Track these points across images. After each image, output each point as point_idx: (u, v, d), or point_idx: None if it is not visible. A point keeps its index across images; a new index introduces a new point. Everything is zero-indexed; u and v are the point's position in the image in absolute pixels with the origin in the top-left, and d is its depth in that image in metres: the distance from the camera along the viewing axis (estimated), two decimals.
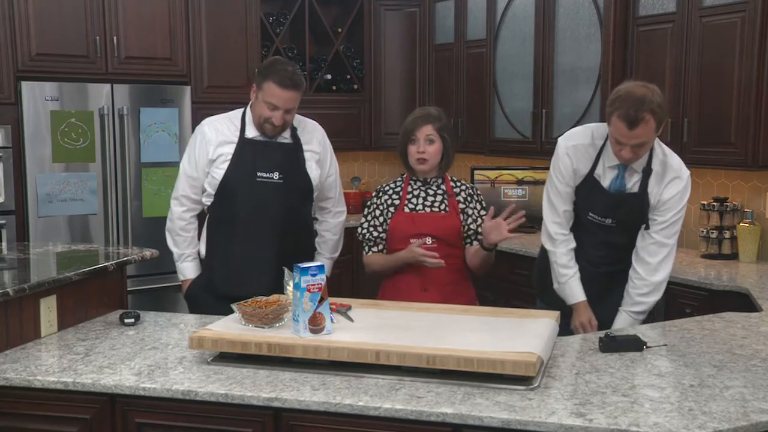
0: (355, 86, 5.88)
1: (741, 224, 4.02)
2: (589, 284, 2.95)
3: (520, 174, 5.13)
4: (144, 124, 4.79)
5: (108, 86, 4.68)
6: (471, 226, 3.08)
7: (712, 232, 4.11)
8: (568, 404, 1.96)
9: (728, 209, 4.09)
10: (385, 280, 3.15)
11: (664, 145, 2.88)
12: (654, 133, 2.68)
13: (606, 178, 2.85)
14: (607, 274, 2.94)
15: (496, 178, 5.18)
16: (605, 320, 2.87)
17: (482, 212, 3.10)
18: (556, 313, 2.53)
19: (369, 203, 3.19)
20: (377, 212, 3.14)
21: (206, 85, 5.04)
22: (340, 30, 5.81)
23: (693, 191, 4.33)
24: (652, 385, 2.10)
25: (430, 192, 3.11)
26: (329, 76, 5.86)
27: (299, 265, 2.27)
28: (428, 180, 3.12)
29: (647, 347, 2.41)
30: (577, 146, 2.90)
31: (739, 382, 2.11)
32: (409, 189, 3.13)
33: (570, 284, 2.94)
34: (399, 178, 3.20)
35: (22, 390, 2.23)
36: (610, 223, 2.87)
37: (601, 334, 2.48)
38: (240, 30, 5.16)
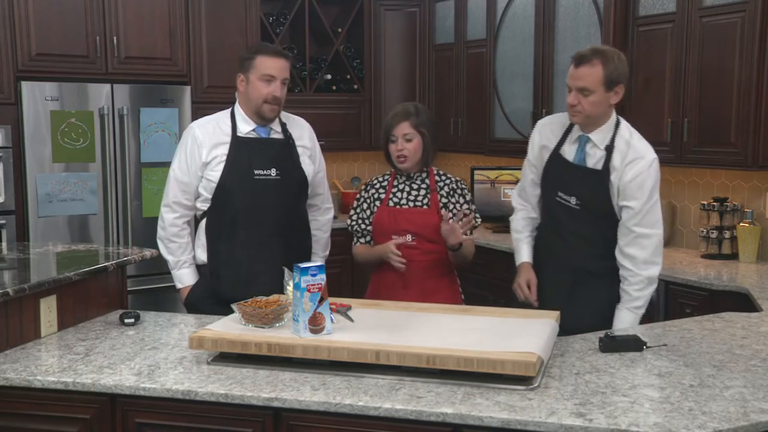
0: (355, 86, 5.88)
1: (741, 224, 4.02)
2: (554, 280, 2.92)
3: (519, 174, 5.12)
4: (144, 124, 4.79)
5: (108, 86, 4.68)
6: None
7: (712, 232, 4.11)
8: (568, 404, 1.96)
9: (728, 209, 4.09)
10: (373, 275, 3.23)
11: (634, 130, 2.87)
12: (600, 86, 2.68)
13: (570, 153, 2.86)
14: (573, 271, 2.88)
15: (496, 178, 5.19)
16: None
17: (464, 206, 3.14)
18: (556, 313, 2.53)
19: (358, 196, 3.27)
20: (365, 205, 3.23)
21: (206, 85, 5.04)
22: (340, 30, 5.81)
23: (693, 191, 4.37)
24: (652, 385, 2.10)
25: (414, 187, 3.17)
26: (329, 76, 5.86)
27: (299, 265, 2.27)
28: (412, 175, 3.17)
29: (647, 347, 2.41)
30: (546, 123, 3.00)
31: (739, 382, 2.11)
32: (395, 183, 3.20)
33: (518, 246, 3.04)
34: (387, 173, 3.25)
35: (22, 390, 2.23)
36: (575, 203, 2.84)
37: (601, 334, 2.48)
38: (240, 30, 5.16)
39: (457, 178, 3.23)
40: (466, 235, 3.03)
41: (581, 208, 2.82)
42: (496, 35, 5.18)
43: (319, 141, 3.36)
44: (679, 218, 4.50)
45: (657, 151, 3.90)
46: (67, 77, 4.58)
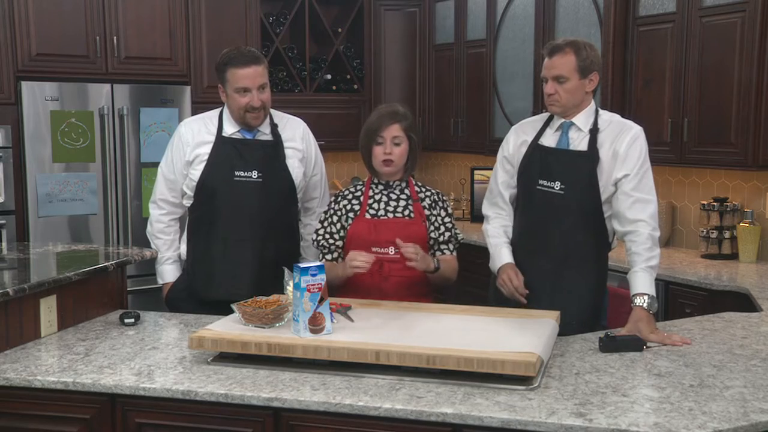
0: (355, 86, 5.88)
1: (741, 224, 4.02)
2: (539, 270, 2.83)
3: None
4: (144, 124, 4.79)
5: (108, 86, 4.68)
6: (432, 235, 2.92)
7: (712, 232, 4.11)
8: (568, 404, 1.96)
9: (728, 209, 4.09)
10: (343, 293, 2.90)
11: (613, 113, 2.91)
12: (575, 72, 2.74)
13: (552, 141, 2.85)
14: (558, 259, 2.81)
15: None
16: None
17: (446, 219, 2.96)
18: (556, 313, 2.53)
19: (326, 209, 3.02)
20: (334, 218, 2.96)
21: (206, 85, 5.03)
22: (340, 30, 5.81)
23: (693, 191, 4.38)
24: (652, 385, 2.11)
25: (393, 196, 2.94)
26: (329, 76, 5.86)
27: (299, 265, 2.27)
28: (391, 183, 2.94)
29: (647, 347, 2.41)
30: (522, 123, 3.00)
31: (739, 382, 2.11)
32: (371, 193, 2.96)
33: (498, 250, 2.88)
34: (360, 183, 3.05)
35: (22, 390, 2.23)
36: (558, 188, 2.80)
37: (601, 334, 2.48)
38: (240, 30, 5.16)
39: (438, 191, 3.03)
40: (446, 253, 2.92)
41: (565, 192, 2.80)
42: (496, 35, 5.18)
43: (318, 141, 3.32)
44: (679, 218, 4.50)
45: (657, 151, 3.94)
46: (67, 77, 4.58)
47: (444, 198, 3.02)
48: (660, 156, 4.02)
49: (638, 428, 1.81)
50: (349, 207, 2.96)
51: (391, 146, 2.86)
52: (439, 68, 5.78)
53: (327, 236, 2.97)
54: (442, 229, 2.95)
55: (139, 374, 2.23)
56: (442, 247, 2.95)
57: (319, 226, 3.01)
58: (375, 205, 2.94)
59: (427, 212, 2.94)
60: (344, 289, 2.91)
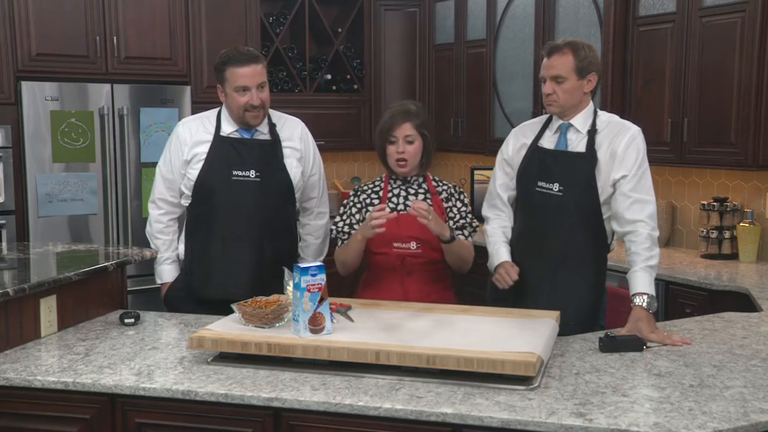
0: (355, 86, 5.88)
1: (741, 224, 4.02)
2: (535, 271, 2.83)
3: None
4: (144, 124, 4.79)
5: (108, 86, 4.68)
6: (449, 224, 2.98)
7: (712, 232, 4.11)
8: (568, 404, 1.96)
9: (728, 209, 4.09)
10: (364, 290, 3.03)
11: (612, 114, 2.91)
12: (573, 73, 2.74)
13: (551, 143, 2.86)
14: (555, 260, 2.81)
15: None
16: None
17: (462, 209, 3.03)
18: (556, 313, 2.53)
19: (345, 201, 3.08)
20: (354, 210, 3.03)
21: (206, 85, 5.03)
22: (340, 30, 5.81)
23: (693, 191, 4.38)
24: (652, 385, 2.11)
25: (411, 191, 3.01)
26: (329, 76, 5.86)
27: (299, 265, 2.27)
28: (409, 179, 3.02)
29: (647, 347, 2.41)
30: (521, 126, 3.01)
31: (739, 382, 2.11)
32: (389, 188, 3.03)
33: (497, 249, 2.90)
34: (378, 179, 3.10)
35: (22, 390, 2.23)
36: (557, 190, 2.80)
37: (601, 334, 2.48)
38: (240, 30, 5.16)
39: (454, 184, 3.10)
40: (461, 238, 2.95)
41: (564, 194, 2.80)
42: (496, 35, 5.18)
43: (318, 141, 3.33)
44: (679, 218, 4.50)
45: (657, 151, 3.95)
46: (67, 77, 4.58)
47: (461, 191, 3.08)
48: (660, 156, 4.03)
49: (638, 428, 1.81)
50: (368, 201, 3.02)
51: (404, 145, 2.92)
52: (439, 68, 5.78)
53: (347, 227, 3.03)
54: (458, 217, 3.01)
55: (139, 374, 2.23)
56: (457, 232, 2.98)
57: (339, 218, 3.06)
58: (394, 200, 3.00)
59: (444, 204, 3.00)
60: (367, 286, 2.98)
